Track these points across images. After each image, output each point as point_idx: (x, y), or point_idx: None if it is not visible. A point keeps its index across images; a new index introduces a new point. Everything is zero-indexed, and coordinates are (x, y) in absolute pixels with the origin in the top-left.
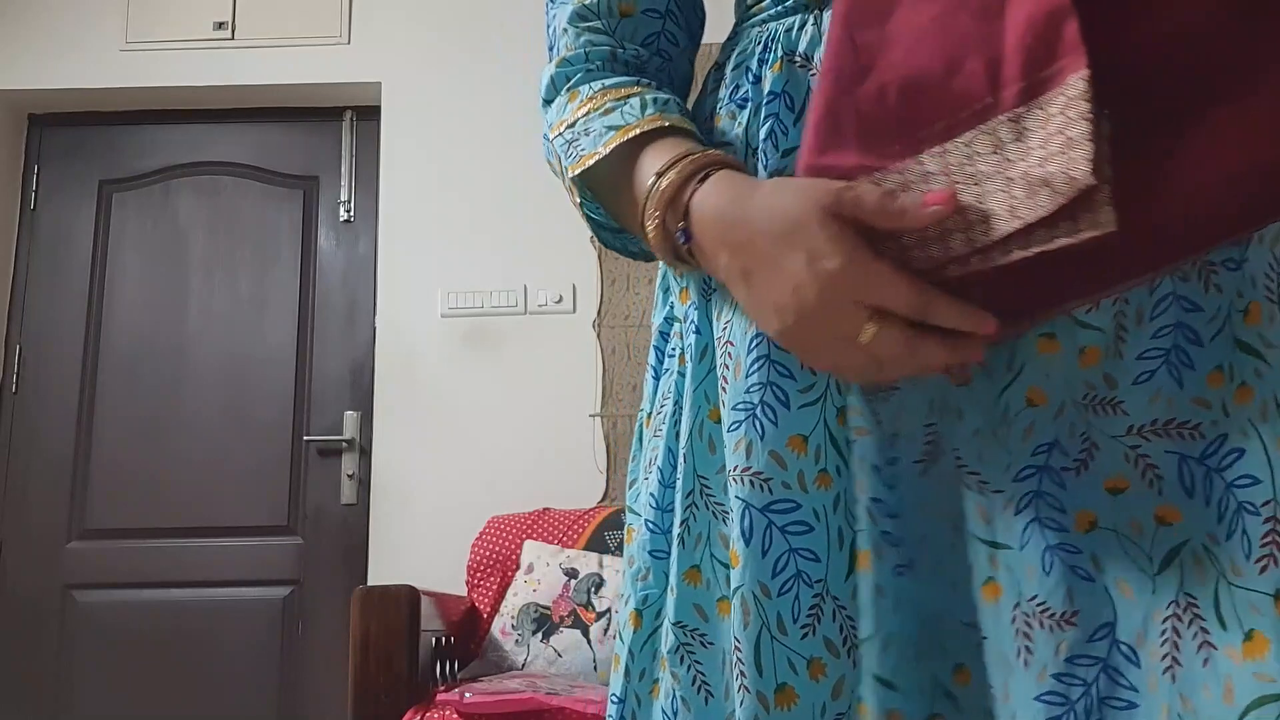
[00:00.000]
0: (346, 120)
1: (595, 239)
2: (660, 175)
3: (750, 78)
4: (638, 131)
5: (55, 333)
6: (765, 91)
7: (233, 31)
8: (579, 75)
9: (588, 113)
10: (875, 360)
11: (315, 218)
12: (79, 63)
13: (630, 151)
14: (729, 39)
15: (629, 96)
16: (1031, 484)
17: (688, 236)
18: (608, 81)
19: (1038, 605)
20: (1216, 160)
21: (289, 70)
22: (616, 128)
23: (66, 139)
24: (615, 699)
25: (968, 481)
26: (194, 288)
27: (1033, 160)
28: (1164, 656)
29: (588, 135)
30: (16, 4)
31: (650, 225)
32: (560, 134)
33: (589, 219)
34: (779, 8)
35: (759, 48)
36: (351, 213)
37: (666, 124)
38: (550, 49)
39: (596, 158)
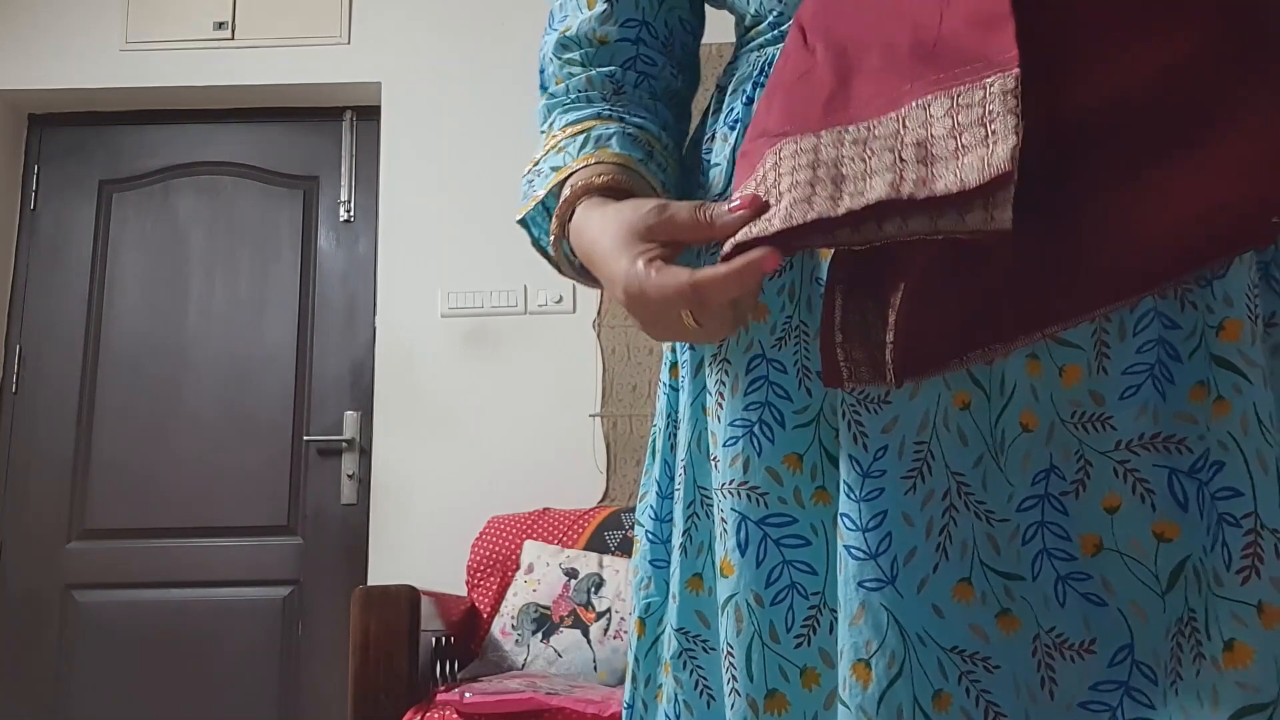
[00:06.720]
0: (346, 120)
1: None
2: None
3: (744, 99)
4: (567, 174)
5: (55, 333)
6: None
7: (233, 31)
8: (557, 111)
9: (546, 152)
10: (704, 331)
11: (315, 218)
12: (79, 63)
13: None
14: (730, 63)
15: (580, 133)
16: (1035, 514)
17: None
18: (571, 117)
19: (1056, 636)
20: (1174, 202)
21: (289, 70)
22: (557, 169)
23: (66, 139)
24: (626, 705)
25: (976, 510)
26: (194, 288)
27: (939, 143)
28: (1170, 671)
29: (540, 176)
30: (16, 4)
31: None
32: (526, 173)
33: (547, 257)
34: (774, 32)
35: (754, 71)
36: (351, 213)
37: (594, 160)
38: (541, 76)
39: (536, 201)
